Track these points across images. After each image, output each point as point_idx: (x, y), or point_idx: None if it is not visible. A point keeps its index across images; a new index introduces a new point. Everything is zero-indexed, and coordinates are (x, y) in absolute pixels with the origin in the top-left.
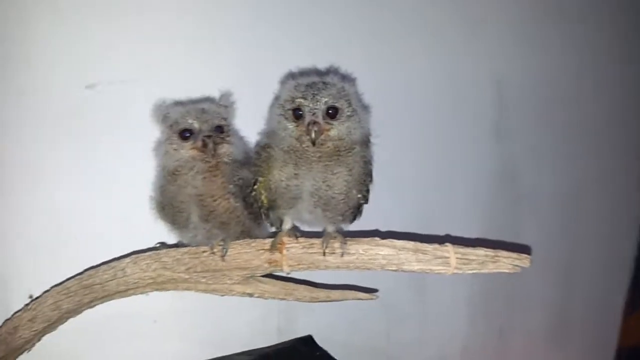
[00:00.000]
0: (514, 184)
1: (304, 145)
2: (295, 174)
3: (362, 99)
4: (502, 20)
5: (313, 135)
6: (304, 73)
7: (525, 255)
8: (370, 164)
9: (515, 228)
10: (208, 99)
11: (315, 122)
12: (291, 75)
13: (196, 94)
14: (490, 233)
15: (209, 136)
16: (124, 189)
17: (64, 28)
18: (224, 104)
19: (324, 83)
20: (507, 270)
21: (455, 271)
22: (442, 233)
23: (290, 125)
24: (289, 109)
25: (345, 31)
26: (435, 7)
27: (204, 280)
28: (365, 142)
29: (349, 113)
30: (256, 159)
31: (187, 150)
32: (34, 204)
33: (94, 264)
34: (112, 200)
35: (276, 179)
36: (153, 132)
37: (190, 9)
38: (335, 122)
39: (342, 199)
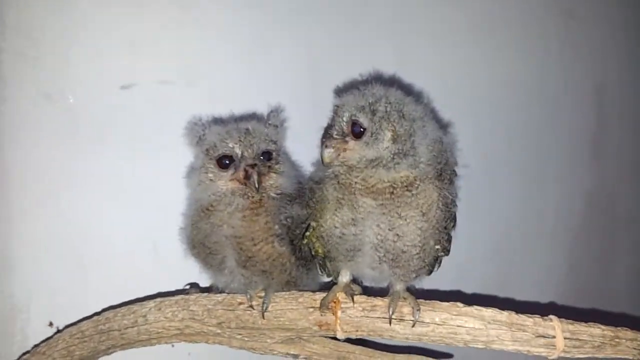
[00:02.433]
0: (610, 207)
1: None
2: (353, 219)
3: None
4: (601, 15)
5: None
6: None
7: None
8: (454, 205)
9: (610, 257)
10: (254, 117)
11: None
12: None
13: (243, 106)
14: (581, 262)
15: (253, 165)
16: (155, 212)
17: (98, 23)
18: (274, 123)
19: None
20: (630, 358)
21: (563, 355)
22: (526, 263)
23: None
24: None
25: (417, 35)
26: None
27: (239, 337)
28: (445, 175)
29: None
30: (309, 199)
31: (225, 182)
32: (51, 222)
33: (115, 297)
34: (140, 224)
35: (329, 225)
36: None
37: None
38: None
39: (416, 253)
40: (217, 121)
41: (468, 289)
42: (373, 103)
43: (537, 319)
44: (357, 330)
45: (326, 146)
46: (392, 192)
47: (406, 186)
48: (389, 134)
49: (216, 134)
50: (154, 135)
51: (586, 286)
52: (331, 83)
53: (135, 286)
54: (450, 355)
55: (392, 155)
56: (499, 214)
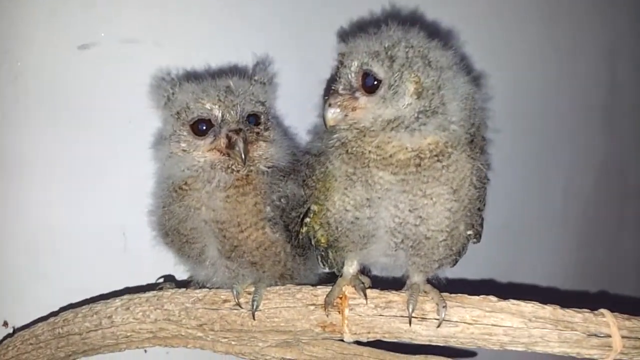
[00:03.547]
0: (621, 180)
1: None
2: (368, 199)
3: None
4: None
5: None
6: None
7: None
8: (487, 181)
9: (620, 232)
10: (236, 71)
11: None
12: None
13: (219, 61)
14: (591, 236)
15: (237, 131)
16: (123, 194)
17: None
18: (261, 79)
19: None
20: None
21: (620, 358)
22: (535, 236)
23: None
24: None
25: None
26: None
27: (224, 340)
28: (477, 141)
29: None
30: (308, 177)
31: (202, 153)
32: (15, 204)
33: (78, 292)
34: (101, 207)
35: (338, 208)
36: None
37: None
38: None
39: (443, 240)
40: (190, 77)
41: (471, 274)
42: (390, 47)
43: (587, 314)
44: (368, 332)
45: (330, 105)
46: (419, 165)
47: (435, 155)
48: (411, 87)
49: (189, 93)
50: (117, 104)
51: (595, 265)
52: (326, 28)
53: (102, 280)
54: (474, 354)
55: (416, 114)
56: (507, 189)
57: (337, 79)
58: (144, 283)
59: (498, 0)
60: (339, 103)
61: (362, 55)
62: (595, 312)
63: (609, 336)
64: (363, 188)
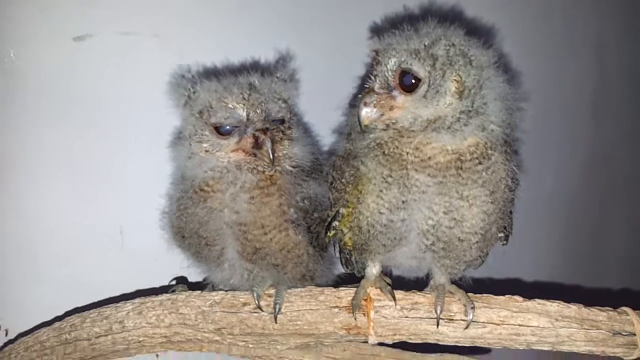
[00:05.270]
0: (608, 170)
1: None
2: (403, 202)
3: None
4: None
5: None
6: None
7: None
8: (517, 182)
9: (606, 221)
10: (256, 68)
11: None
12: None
13: (218, 55)
14: (577, 227)
15: (264, 130)
16: (115, 192)
17: None
18: (283, 76)
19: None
20: None
21: None
22: (522, 226)
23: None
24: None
25: None
26: None
27: (242, 344)
28: (510, 142)
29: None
30: (336, 180)
31: (226, 153)
32: (11, 202)
33: (75, 295)
34: (104, 207)
35: (372, 211)
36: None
37: None
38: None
39: (475, 242)
40: (208, 74)
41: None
42: (430, 45)
43: (611, 312)
44: (394, 334)
45: (365, 104)
46: (460, 167)
47: (476, 157)
48: (453, 86)
49: (212, 92)
50: (115, 99)
51: (581, 258)
52: (338, 29)
53: (99, 282)
54: (488, 351)
55: (458, 114)
56: None
57: (372, 76)
58: (141, 282)
59: None
60: (374, 102)
61: (401, 53)
62: (619, 310)
63: (634, 334)
64: (399, 190)
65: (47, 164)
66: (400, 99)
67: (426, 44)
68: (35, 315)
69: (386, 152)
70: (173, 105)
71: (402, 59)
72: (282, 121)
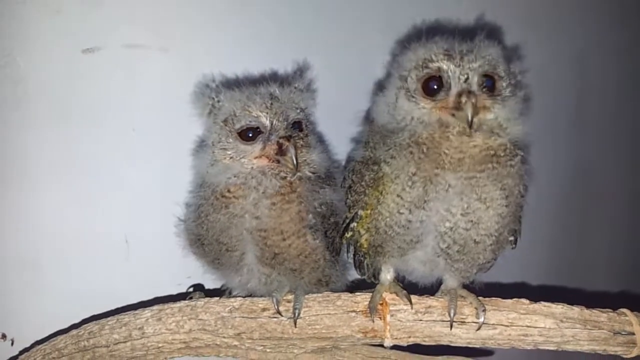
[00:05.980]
0: (587, 181)
1: (447, 134)
2: (425, 201)
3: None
4: None
5: (469, 112)
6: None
7: None
8: (527, 189)
9: (587, 232)
10: (273, 79)
11: (470, 92)
12: (411, 37)
13: (225, 67)
14: (560, 238)
15: (287, 137)
16: (120, 201)
17: None
18: (300, 86)
19: (472, 43)
20: None
21: None
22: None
23: (423, 104)
24: (422, 77)
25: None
26: None
27: (260, 348)
28: (521, 145)
29: (510, 89)
30: (355, 183)
31: (249, 160)
32: (16, 211)
33: (77, 303)
34: (109, 215)
35: (391, 211)
36: (174, 119)
37: None
38: (497, 98)
39: (490, 244)
40: (229, 84)
41: None
42: (497, 54)
43: (611, 313)
44: (409, 337)
45: (473, 101)
46: (497, 162)
47: (509, 154)
48: (513, 91)
49: (235, 101)
50: (122, 110)
51: (564, 262)
52: (336, 40)
53: (105, 291)
54: (491, 352)
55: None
56: None
57: (462, 79)
58: (146, 290)
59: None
60: (473, 100)
61: (488, 57)
62: (618, 311)
63: (632, 334)
64: (423, 189)
65: (51, 172)
66: (488, 101)
67: (494, 53)
68: (40, 325)
69: (424, 150)
70: (197, 114)
71: (492, 62)
72: (301, 129)
